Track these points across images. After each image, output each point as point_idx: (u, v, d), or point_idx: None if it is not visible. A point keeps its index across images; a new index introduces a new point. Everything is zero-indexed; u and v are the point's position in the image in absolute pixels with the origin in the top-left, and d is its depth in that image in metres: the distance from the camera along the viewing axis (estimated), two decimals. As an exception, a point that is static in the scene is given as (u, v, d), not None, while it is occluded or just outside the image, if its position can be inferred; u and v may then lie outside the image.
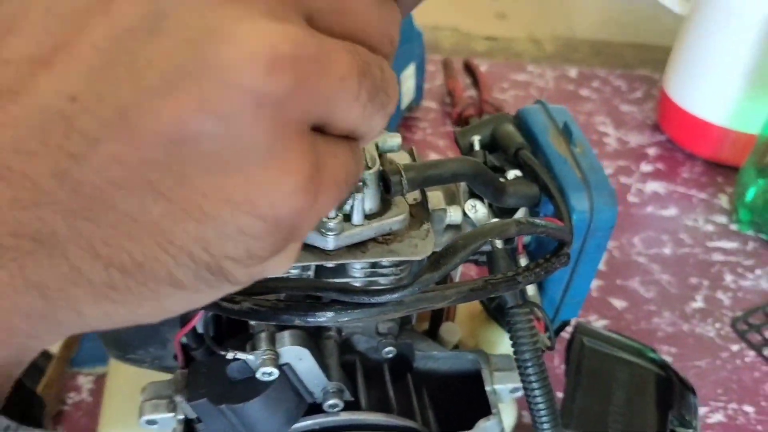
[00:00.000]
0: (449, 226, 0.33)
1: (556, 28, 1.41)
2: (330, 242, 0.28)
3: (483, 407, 0.34)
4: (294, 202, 0.17)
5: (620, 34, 1.45)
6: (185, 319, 0.29)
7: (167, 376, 0.34)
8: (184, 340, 0.31)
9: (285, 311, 0.25)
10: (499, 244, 0.32)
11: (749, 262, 0.67)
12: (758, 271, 0.66)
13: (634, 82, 0.95)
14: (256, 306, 0.25)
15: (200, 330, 0.31)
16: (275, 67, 0.15)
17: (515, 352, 0.31)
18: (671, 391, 0.42)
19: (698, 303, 0.63)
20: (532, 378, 0.31)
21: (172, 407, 0.32)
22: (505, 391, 0.35)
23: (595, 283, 0.64)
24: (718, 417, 0.54)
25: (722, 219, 0.72)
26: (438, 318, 0.42)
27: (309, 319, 0.25)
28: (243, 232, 0.17)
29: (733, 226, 0.71)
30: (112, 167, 0.16)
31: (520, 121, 0.36)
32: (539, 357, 0.31)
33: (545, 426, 0.31)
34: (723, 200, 0.75)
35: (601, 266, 0.65)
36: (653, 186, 0.76)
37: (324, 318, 0.25)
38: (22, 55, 0.16)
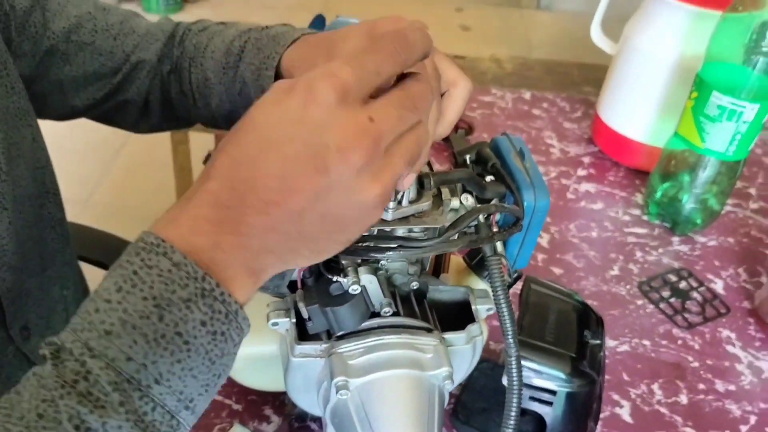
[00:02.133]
0: (451, 209, 0.56)
1: (515, 41, 1.63)
2: (389, 215, 0.50)
3: (470, 319, 0.57)
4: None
5: (571, 49, 1.68)
6: (306, 259, 0.51)
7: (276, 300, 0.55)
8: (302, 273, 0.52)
9: (372, 250, 0.47)
10: (481, 219, 0.54)
11: (655, 243, 0.92)
12: (661, 250, 0.91)
13: (575, 103, 1.19)
14: (355, 246, 0.47)
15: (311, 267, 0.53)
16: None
17: (491, 285, 0.54)
18: (586, 318, 0.65)
19: (615, 271, 0.87)
20: (502, 300, 0.53)
21: (288, 314, 0.53)
22: (482, 309, 0.57)
23: (541, 257, 0.87)
24: (624, 348, 0.77)
25: (636, 212, 0.97)
26: (438, 269, 0.64)
27: (383, 254, 0.47)
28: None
29: (645, 217, 0.96)
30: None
31: (494, 146, 0.58)
32: (506, 288, 0.54)
33: (509, 331, 0.54)
34: (638, 198, 0.99)
35: (546, 245, 0.89)
36: (586, 186, 1.00)
37: (393, 254, 0.47)
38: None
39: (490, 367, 0.71)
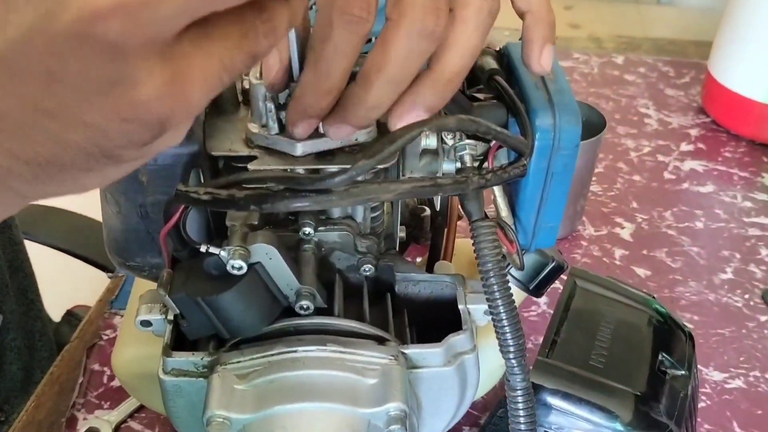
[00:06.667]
0: (425, 151, 0.35)
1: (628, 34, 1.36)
2: (298, 148, 0.31)
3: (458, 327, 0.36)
4: (153, 107, 0.19)
5: (691, 35, 1.41)
6: (167, 217, 0.32)
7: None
8: (170, 242, 0.33)
9: (241, 200, 0.28)
10: (468, 161, 0.33)
11: (789, 238, 0.65)
12: (798, 247, 0.64)
13: (683, 68, 0.93)
14: (214, 196, 0.28)
15: (184, 234, 0.34)
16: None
17: (478, 264, 0.32)
18: (667, 336, 0.42)
19: (728, 275, 0.61)
20: (495, 289, 0.32)
21: (166, 309, 0.35)
22: (478, 311, 0.36)
23: (618, 252, 0.63)
24: (737, 383, 0.52)
25: (763, 196, 0.70)
26: (435, 256, 0.43)
27: (263, 206, 0.28)
28: (120, 132, 0.20)
29: (775, 204, 0.69)
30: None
31: (504, 55, 0.37)
32: (502, 270, 0.32)
33: (509, 344, 0.32)
34: (766, 179, 0.73)
35: (627, 237, 0.65)
36: (691, 164, 0.75)
37: (280, 205, 0.27)
38: None
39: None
